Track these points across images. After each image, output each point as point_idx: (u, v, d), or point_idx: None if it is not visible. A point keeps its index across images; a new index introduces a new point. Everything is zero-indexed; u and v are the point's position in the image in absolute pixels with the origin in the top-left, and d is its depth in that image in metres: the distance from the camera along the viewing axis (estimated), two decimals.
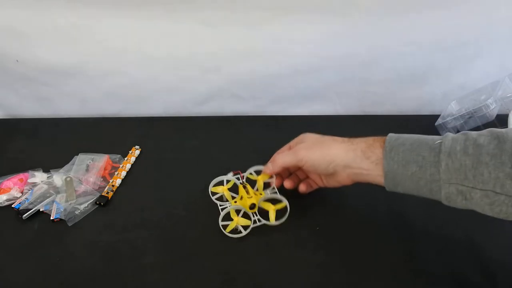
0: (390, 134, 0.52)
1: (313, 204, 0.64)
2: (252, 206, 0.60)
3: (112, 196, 0.66)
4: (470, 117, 0.74)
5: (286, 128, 0.81)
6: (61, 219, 0.61)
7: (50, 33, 0.73)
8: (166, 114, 0.86)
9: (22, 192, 0.66)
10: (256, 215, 0.60)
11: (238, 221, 0.59)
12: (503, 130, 0.45)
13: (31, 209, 0.62)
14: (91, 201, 0.64)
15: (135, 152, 0.74)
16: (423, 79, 0.82)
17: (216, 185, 0.64)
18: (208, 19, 0.72)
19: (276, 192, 0.63)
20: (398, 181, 0.50)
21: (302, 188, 0.62)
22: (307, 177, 0.64)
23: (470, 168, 0.44)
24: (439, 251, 0.57)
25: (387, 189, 0.52)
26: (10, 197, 0.65)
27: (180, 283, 0.53)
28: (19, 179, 0.67)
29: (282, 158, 0.59)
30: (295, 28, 0.73)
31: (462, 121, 0.75)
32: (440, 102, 0.83)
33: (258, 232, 0.60)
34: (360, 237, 0.59)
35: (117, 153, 0.73)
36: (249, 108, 0.86)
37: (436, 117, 0.80)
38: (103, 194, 0.65)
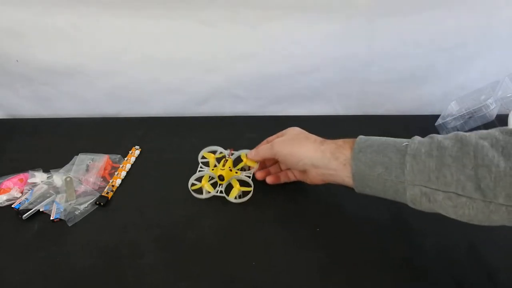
0: (360, 136, 0.53)
1: (313, 205, 0.64)
2: (221, 178, 0.64)
3: (112, 196, 0.66)
4: (470, 117, 0.74)
5: (286, 128, 0.81)
6: (61, 219, 0.61)
7: (50, 33, 0.73)
8: (166, 114, 0.86)
9: (22, 192, 0.66)
10: (221, 187, 0.65)
11: (204, 185, 0.64)
12: (467, 133, 0.46)
13: (31, 209, 0.62)
14: (91, 201, 0.64)
15: (135, 152, 0.74)
16: (423, 79, 0.82)
17: (210, 151, 0.72)
18: (208, 19, 0.72)
19: (249, 177, 0.66)
20: (365, 183, 0.50)
21: (268, 180, 0.65)
22: (288, 168, 0.65)
23: (433, 170, 0.44)
24: (439, 252, 0.57)
25: (356, 190, 0.53)
26: (10, 197, 0.65)
27: (180, 283, 0.53)
28: (19, 179, 0.67)
29: (262, 149, 0.62)
30: (295, 28, 0.73)
31: (462, 121, 0.75)
32: (440, 102, 0.83)
33: (258, 231, 0.60)
34: (360, 238, 0.59)
35: (117, 153, 0.73)
36: (249, 108, 0.86)
37: (436, 117, 0.80)
38: (103, 194, 0.65)
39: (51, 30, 0.73)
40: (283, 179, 0.65)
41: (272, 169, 0.67)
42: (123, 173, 0.70)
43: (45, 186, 0.66)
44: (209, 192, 0.64)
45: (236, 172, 0.67)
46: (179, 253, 0.57)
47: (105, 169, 0.70)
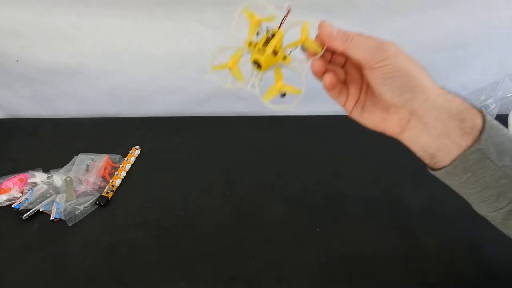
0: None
1: (313, 204, 0.64)
2: (257, 64, 0.42)
3: (112, 196, 0.66)
4: None
5: (286, 128, 0.81)
6: (61, 219, 0.61)
7: (50, 33, 0.73)
8: (166, 114, 0.86)
9: (22, 192, 0.66)
10: (257, 77, 0.43)
11: (231, 66, 0.42)
12: None
13: (31, 209, 0.62)
14: (91, 201, 0.64)
15: (135, 152, 0.74)
16: None
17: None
18: (208, 19, 0.72)
19: (302, 72, 0.42)
20: (474, 168, 0.36)
21: (328, 79, 0.43)
22: (347, 83, 0.45)
23: None
24: (439, 251, 0.57)
25: (442, 172, 0.37)
26: (10, 197, 0.65)
27: (180, 283, 0.53)
28: (19, 179, 0.67)
29: (363, 41, 0.39)
30: (295, 28, 0.73)
31: None
32: None
33: (258, 231, 0.60)
34: (360, 237, 0.59)
35: (117, 153, 0.73)
36: (249, 108, 0.86)
37: None
38: (103, 194, 0.65)
39: (51, 30, 0.73)
40: (337, 92, 0.44)
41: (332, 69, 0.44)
42: (123, 173, 0.69)
43: (45, 186, 0.66)
44: (236, 82, 0.42)
45: (285, 58, 0.42)
46: (179, 253, 0.57)
47: (105, 169, 0.70)
